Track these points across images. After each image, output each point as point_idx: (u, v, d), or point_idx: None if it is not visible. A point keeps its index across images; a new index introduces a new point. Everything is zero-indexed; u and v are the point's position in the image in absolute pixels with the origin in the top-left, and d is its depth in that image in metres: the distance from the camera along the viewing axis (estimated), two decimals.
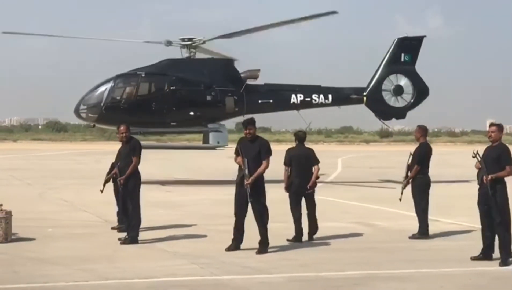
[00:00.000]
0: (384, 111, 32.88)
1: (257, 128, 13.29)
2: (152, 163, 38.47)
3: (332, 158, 51.10)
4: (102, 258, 12.37)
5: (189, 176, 34.39)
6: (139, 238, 13.96)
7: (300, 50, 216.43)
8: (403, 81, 32.42)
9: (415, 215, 15.14)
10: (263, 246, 12.98)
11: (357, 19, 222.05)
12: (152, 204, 19.96)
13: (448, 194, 24.34)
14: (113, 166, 14.87)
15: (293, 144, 15.08)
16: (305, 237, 14.53)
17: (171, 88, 30.19)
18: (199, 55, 32.00)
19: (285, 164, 14.65)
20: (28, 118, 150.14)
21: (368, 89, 32.54)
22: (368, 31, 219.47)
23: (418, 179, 14.90)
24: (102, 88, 30.26)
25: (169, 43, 31.17)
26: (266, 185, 13.15)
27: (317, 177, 14.75)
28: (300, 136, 14.92)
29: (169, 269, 11.43)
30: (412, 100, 32.35)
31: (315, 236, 14.69)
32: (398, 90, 32.37)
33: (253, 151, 12.92)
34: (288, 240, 14.32)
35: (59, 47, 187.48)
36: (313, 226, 14.75)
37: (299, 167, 14.57)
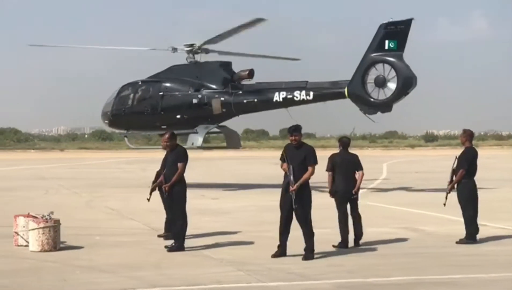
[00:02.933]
0: (367, 105, 29.20)
1: (302, 134, 13.30)
2: (197, 170, 38.67)
3: (377, 163, 50.86)
4: (150, 266, 12.48)
5: (234, 183, 34.47)
6: (186, 245, 14.05)
7: (340, 53, 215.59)
8: (387, 71, 28.53)
9: (462, 219, 15.02)
10: (309, 252, 12.97)
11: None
12: (198, 211, 20.08)
13: (495, 198, 24.07)
14: (158, 174, 15.00)
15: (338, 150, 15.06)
16: (351, 243, 14.47)
17: (160, 93, 32.49)
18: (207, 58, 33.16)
19: (328, 169, 14.62)
20: (74, 127, 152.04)
21: (350, 82, 29.26)
22: (411, 32, 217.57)
23: (464, 183, 14.77)
24: (112, 97, 33.84)
25: (174, 49, 32.75)
26: (312, 191, 13.16)
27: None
28: (345, 142, 14.89)
29: (215, 276, 11.48)
30: (396, 91, 28.23)
31: (360, 242, 14.64)
32: (381, 81, 28.53)
33: (299, 157, 12.94)
34: (334, 246, 14.28)
35: (104, 57, 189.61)
36: (359, 232, 14.69)
37: (343, 173, 14.53)
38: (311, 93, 30.20)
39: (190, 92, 32.21)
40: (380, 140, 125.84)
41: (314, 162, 12.99)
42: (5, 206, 22.73)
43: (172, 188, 14.02)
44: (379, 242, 14.92)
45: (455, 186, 14.87)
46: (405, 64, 28.21)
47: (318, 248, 13.19)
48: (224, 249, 14.29)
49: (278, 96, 30.68)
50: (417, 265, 12.57)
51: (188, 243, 14.22)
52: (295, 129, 13.10)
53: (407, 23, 28.14)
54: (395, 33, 28.16)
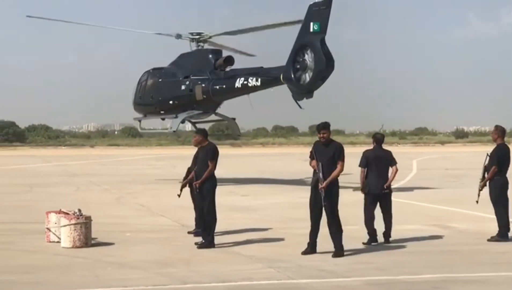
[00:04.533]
0: (295, 90, 28.32)
1: (331, 131, 13.27)
2: (226, 167, 38.73)
3: (407, 160, 50.54)
4: (180, 262, 12.54)
5: (263, 179, 34.48)
6: (216, 242, 14.09)
7: (367, 49, 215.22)
8: (309, 54, 27.27)
9: (494, 217, 14.90)
10: (339, 249, 12.96)
11: (428, 17, 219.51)
12: (228, 208, 20.12)
13: None
14: (189, 170, 15.05)
15: (368, 147, 15.01)
16: (381, 239, 14.42)
17: (159, 80, 34.39)
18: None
19: (361, 165, 14.59)
20: (104, 124, 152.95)
21: (284, 67, 28.56)
22: (439, 30, 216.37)
23: (496, 180, 14.65)
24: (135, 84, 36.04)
25: (179, 36, 34.04)
26: (341, 188, 13.14)
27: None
28: (378, 138, 14.84)
29: (245, 273, 11.51)
30: (312, 76, 27.06)
31: (391, 239, 14.58)
32: (304, 66, 27.40)
33: (327, 154, 12.92)
34: (364, 243, 14.25)
35: (131, 53, 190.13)
36: (389, 229, 14.63)
37: (377, 168, 14.49)
38: (259, 79, 30.16)
39: (180, 78, 33.53)
40: (409, 136, 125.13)
41: (343, 159, 12.96)
42: (37, 202, 22.94)
43: (202, 185, 14.06)
44: (410, 239, 14.86)
45: (487, 183, 14.78)
46: (322, 47, 26.84)
47: (348, 245, 13.18)
48: (254, 246, 14.31)
49: (238, 83, 30.99)
50: (448, 262, 12.50)
51: (218, 240, 14.27)
52: (324, 126, 13.09)
53: (328, 3, 26.67)
54: (318, 14, 26.86)
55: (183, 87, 33.28)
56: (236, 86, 31.06)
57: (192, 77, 33.07)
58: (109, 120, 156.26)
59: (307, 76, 27.36)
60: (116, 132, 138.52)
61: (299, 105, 28.69)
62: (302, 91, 28.11)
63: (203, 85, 32.48)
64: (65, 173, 40.78)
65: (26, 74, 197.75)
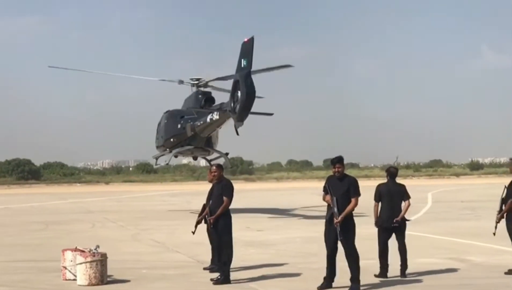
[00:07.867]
0: (235, 120, 30.99)
1: (346, 164, 13.29)
2: (242, 201, 38.77)
3: (422, 193, 50.41)
4: None
5: (278, 214, 34.45)
6: (232, 278, 14.06)
7: (381, 82, 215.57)
8: (239, 87, 29.74)
9: (511, 249, 14.81)
10: (355, 284, 12.90)
11: (442, 48, 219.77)
12: (244, 244, 20.08)
13: None
14: (204, 207, 15.08)
15: (382, 180, 15.00)
16: (396, 272, 14.36)
17: (165, 121, 38.06)
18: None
19: (375, 200, 14.60)
20: (119, 160, 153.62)
21: None
22: (453, 61, 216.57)
23: None
24: None
25: (181, 82, 37.69)
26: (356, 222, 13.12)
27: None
28: (392, 172, 14.84)
29: None
30: (239, 106, 29.55)
31: (407, 272, 14.52)
32: (236, 98, 29.95)
33: (342, 189, 12.91)
34: (375, 275, 14.21)
35: (148, 90, 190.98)
36: (405, 262, 14.58)
37: (390, 202, 14.48)
38: (218, 113, 33.91)
39: (178, 118, 37.19)
40: (424, 169, 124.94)
41: (358, 193, 12.95)
42: (53, 240, 23.00)
43: (217, 220, 14.08)
44: (426, 273, 14.78)
45: (505, 215, 14.70)
46: (246, 80, 29.34)
47: (364, 279, 13.12)
48: (271, 281, 14.26)
49: (208, 118, 34.66)
50: None
51: (234, 275, 14.23)
52: (338, 161, 13.09)
53: (251, 41, 29.52)
54: (246, 51, 29.68)
55: (179, 126, 36.71)
56: (207, 121, 34.65)
57: (185, 117, 36.53)
58: (123, 157, 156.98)
59: (238, 107, 29.86)
60: (130, 168, 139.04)
61: (237, 132, 31.50)
62: (237, 120, 30.70)
63: (192, 123, 35.84)
64: (81, 210, 40.90)
65: (41, 112, 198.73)
